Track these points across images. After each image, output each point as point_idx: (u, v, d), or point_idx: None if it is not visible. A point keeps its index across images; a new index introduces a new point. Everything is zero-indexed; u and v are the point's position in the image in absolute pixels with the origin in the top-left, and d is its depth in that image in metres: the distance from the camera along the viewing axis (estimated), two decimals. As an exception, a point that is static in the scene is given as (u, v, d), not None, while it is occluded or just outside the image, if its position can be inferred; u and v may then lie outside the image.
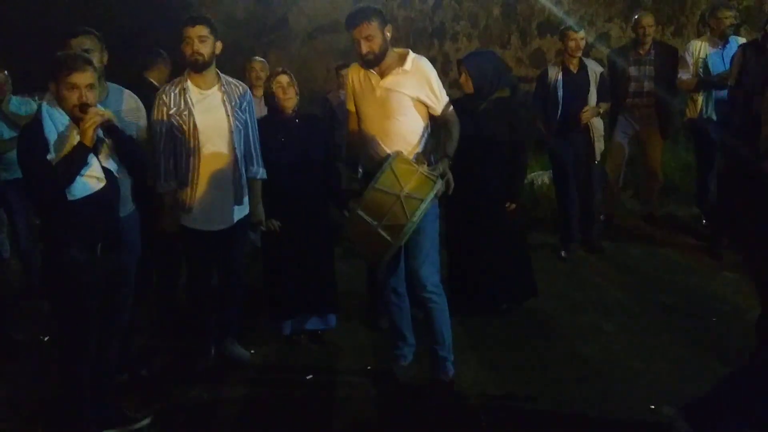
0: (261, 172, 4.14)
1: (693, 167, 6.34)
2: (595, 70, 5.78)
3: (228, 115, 3.91)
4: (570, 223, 5.90)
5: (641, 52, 6.08)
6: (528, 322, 4.63)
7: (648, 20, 6.13)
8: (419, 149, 3.70)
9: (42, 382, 4.00)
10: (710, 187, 5.88)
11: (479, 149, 4.51)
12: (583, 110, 5.62)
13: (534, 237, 6.51)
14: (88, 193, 3.14)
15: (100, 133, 3.17)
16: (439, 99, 3.73)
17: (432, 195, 3.37)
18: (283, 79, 4.30)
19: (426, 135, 3.76)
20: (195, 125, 3.84)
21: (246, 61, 6.08)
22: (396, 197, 3.32)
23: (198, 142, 3.86)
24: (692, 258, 5.64)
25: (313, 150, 4.35)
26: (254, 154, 4.10)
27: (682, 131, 6.91)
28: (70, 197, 3.09)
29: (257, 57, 6.34)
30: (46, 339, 4.64)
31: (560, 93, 5.67)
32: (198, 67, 3.84)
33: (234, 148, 3.94)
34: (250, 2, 12.39)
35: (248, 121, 4.04)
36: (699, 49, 5.77)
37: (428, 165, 3.61)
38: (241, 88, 4.04)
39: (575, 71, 5.73)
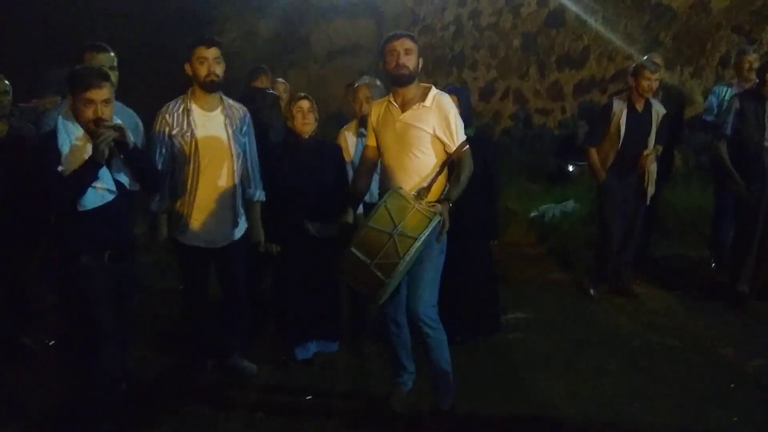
0: (259, 194, 4.18)
1: (706, 209, 6.32)
2: (658, 111, 5.49)
3: (229, 138, 3.96)
4: (606, 264, 5.69)
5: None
6: (530, 357, 4.60)
7: (657, 60, 6.13)
8: (425, 185, 3.64)
9: (47, 387, 4.03)
10: (725, 230, 5.87)
11: None
12: (645, 153, 5.38)
13: (542, 270, 6.55)
14: (99, 204, 3.21)
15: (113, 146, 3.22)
16: (453, 138, 3.65)
17: (426, 234, 3.33)
18: (305, 104, 4.33)
19: (440, 172, 3.70)
20: (197, 146, 3.88)
21: (272, 82, 6.17)
22: (389, 235, 3.29)
23: (198, 162, 3.90)
24: (700, 300, 5.60)
25: (326, 176, 4.38)
26: (252, 177, 4.14)
27: (696, 172, 6.95)
28: (80, 208, 3.17)
29: (280, 79, 6.46)
30: (51, 343, 4.67)
31: (623, 130, 5.38)
32: (213, 87, 3.89)
33: (233, 171, 3.99)
34: (274, 21, 12.52)
35: (248, 144, 4.08)
36: (725, 92, 5.81)
37: (439, 201, 3.57)
38: (241, 111, 4.09)
39: (640, 110, 5.43)
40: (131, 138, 3.29)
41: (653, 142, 5.46)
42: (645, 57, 6.31)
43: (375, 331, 4.81)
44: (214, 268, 4.19)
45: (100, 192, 3.21)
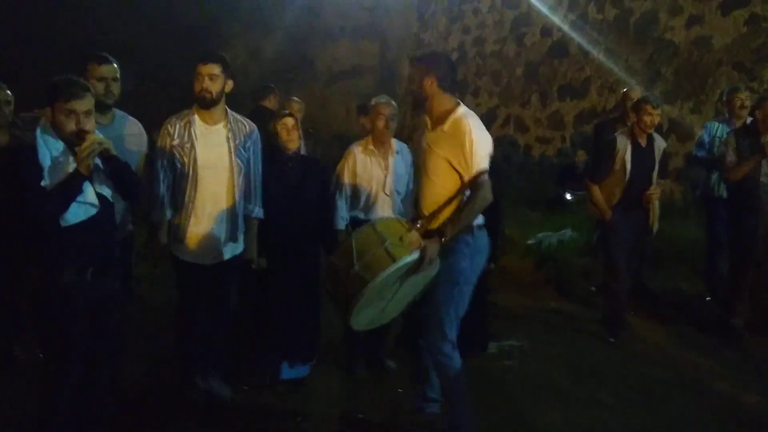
0: (257, 212, 4.15)
1: (702, 242, 6.35)
2: (659, 145, 5.44)
3: (230, 153, 3.93)
4: (621, 305, 5.48)
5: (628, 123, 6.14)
6: (527, 386, 4.59)
7: (635, 94, 6.23)
8: (429, 211, 3.57)
9: (37, 399, 4.00)
10: (719, 264, 5.90)
11: None
12: (651, 190, 5.34)
13: (538, 298, 6.55)
14: (82, 218, 3.13)
15: (97, 160, 3.15)
16: (469, 165, 3.44)
17: (401, 262, 3.22)
18: (289, 121, 4.39)
19: (448, 203, 3.54)
20: (195, 159, 3.86)
21: (285, 100, 6.27)
22: (350, 265, 3.25)
23: (197, 175, 3.86)
24: (695, 334, 5.61)
25: (308, 192, 4.41)
26: (254, 193, 4.11)
27: (693, 206, 6.99)
28: (63, 223, 3.08)
29: (295, 98, 6.60)
30: (41, 355, 4.65)
31: (629, 167, 5.26)
32: (205, 104, 3.86)
33: (233, 186, 3.95)
34: (279, 40, 12.60)
35: (251, 159, 4.05)
36: (716, 129, 5.90)
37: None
38: (248, 126, 4.06)
39: (644, 145, 5.35)
40: (113, 148, 3.21)
41: (655, 177, 5.42)
42: (624, 90, 6.45)
43: (368, 354, 4.82)
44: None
45: (82, 206, 3.13)
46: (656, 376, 4.82)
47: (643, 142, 5.33)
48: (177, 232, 3.94)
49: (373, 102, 4.64)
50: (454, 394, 3.70)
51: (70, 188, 3.07)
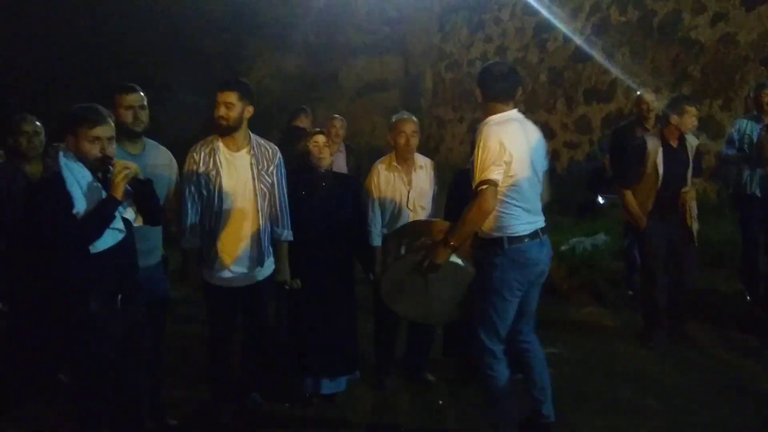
0: (286, 234, 4.17)
1: (738, 242, 6.27)
2: (692, 143, 5.27)
3: (254, 178, 3.97)
4: (658, 313, 5.33)
5: (647, 127, 6.11)
6: (569, 394, 4.51)
7: (649, 97, 6.24)
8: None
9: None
10: (757, 263, 5.83)
11: None
12: (685, 190, 5.21)
13: (574, 305, 6.50)
14: (111, 244, 3.14)
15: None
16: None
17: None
18: (320, 139, 4.43)
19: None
20: (221, 185, 3.91)
21: (327, 119, 6.74)
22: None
23: (222, 202, 3.92)
24: (735, 335, 5.52)
25: (341, 209, 4.45)
26: (281, 216, 4.13)
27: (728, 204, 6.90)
28: (93, 250, 3.09)
29: (337, 115, 7.00)
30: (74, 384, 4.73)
31: (661, 170, 5.11)
32: (222, 130, 3.91)
33: (258, 210, 4.00)
34: (303, 58, 12.73)
35: (275, 183, 4.08)
36: (746, 126, 5.83)
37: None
38: (271, 150, 4.10)
39: (675, 146, 5.18)
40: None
41: (690, 177, 5.28)
42: (638, 93, 6.40)
43: (401, 365, 4.83)
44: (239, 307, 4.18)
45: (111, 232, 3.14)
46: (698, 379, 4.76)
47: (674, 142, 5.19)
48: (206, 258, 4.00)
49: (393, 119, 4.68)
50: (496, 405, 3.72)
51: (106, 214, 3.10)
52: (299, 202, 4.31)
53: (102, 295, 3.14)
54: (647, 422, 4.15)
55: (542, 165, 3.69)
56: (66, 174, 3.07)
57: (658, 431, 4.05)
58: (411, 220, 4.55)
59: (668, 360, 5.10)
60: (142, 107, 3.79)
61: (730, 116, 7.54)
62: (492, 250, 3.56)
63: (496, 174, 3.41)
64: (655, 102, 6.28)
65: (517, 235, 3.55)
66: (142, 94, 3.81)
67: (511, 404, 3.75)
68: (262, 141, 4.11)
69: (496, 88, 3.60)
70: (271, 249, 4.13)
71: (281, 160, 4.14)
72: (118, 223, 3.18)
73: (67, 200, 3.03)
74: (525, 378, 3.90)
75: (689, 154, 5.24)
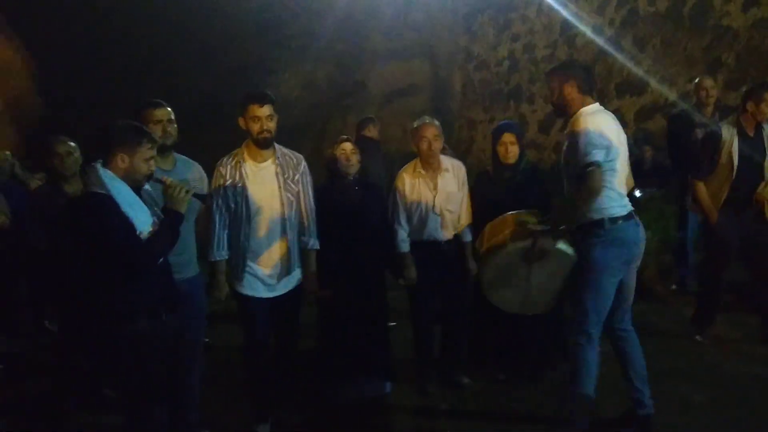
0: (313, 243, 4.18)
1: None
2: (767, 131, 5.02)
3: (280, 188, 4.01)
4: (715, 308, 5.25)
5: (705, 114, 5.97)
6: (614, 391, 4.43)
7: (709, 82, 6.15)
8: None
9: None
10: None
11: None
12: (760, 189, 4.91)
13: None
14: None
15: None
16: (577, 159, 3.70)
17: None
18: (347, 146, 4.43)
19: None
20: (248, 197, 3.94)
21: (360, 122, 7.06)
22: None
23: (250, 213, 3.95)
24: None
25: (370, 216, 4.43)
26: (308, 225, 4.15)
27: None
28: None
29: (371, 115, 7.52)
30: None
31: (735, 160, 4.89)
32: (266, 144, 3.97)
33: (285, 220, 4.02)
34: (330, 67, 12.75)
35: (301, 191, 4.10)
36: None
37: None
38: (295, 159, 4.14)
39: (752, 135, 4.95)
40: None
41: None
42: (696, 80, 6.27)
43: (442, 371, 4.79)
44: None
45: None
46: (748, 372, 4.64)
47: (750, 131, 4.95)
48: (236, 270, 4.02)
49: (414, 125, 4.68)
50: (576, 391, 3.80)
51: (174, 230, 3.18)
52: (328, 210, 4.30)
53: (148, 310, 3.18)
54: (697, 418, 4.07)
55: (626, 152, 3.89)
56: (115, 194, 3.07)
57: (708, 428, 3.95)
58: (437, 224, 4.57)
59: (717, 354, 5.00)
60: (170, 121, 3.83)
61: (768, 103, 7.35)
62: (593, 232, 3.71)
63: (599, 156, 3.59)
64: (714, 88, 6.18)
65: (615, 216, 3.71)
66: (169, 109, 3.87)
67: (590, 395, 3.82)
68: (286, 150, 4.15)
69: (588, 82, 3.82)
70: (299, 259, 4.13)
71: (306, 168, 4.17)
72: None
73: (128, 221, 3.05)
74: (623, 370, 4.00)
75: (766, 144, 4.96)
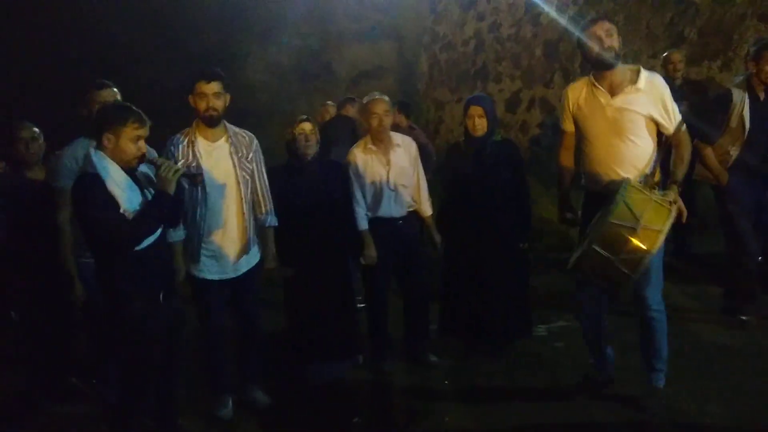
0: (271, 220, 4.18)
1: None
2: None
3: (235, 167, 3.98)
4: (751, 281, 4.99)
5: (673, 88, 6.02)
6: (578, 368, 4.49)
7: (677, 56, 6.31)
8: (648, 171, 3.66)
9: (96, 422, 4.10)
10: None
11: (487, 191, 4.56)
12: None
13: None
14: (150, 242, 3.20)
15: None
16: (672, 118, 3.65)
17: (669, 225, 3.33)
18: (307, 126, 4.40)
19: (655, 157, 3.70)
20: (203, 175, 3.85)
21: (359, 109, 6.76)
22: (632, 230, 3.27)
23: (205, 193, 3.91)
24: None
25: (332, 196, 4.42)
26: (264, 203, 4.14)
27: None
28: (136, 247, 3.15)
29: (329, 102, 7.51)
30: (93, 382, 4.72)
31: (747, 123, 4.79)
32: (212, 122, 3.92)
33: (241, 199, 4.00)
34: (295, 50, 12.64)
35: (255, 170, 4.09)
36: None
37: (657, 189, 3.58)
38: (247, 138, 4.12)
39: (762, 99, 4.84)
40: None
41: None
42: (665, 53, 6.35)
43: (410, 348, 4.82)
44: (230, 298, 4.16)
45: None
46: (715, 342, 4.74)
47: (761, 95, 4.83)
48: (192, 252, 3.97)
49: (365, 101, 4.66)
50: (665, 342, 3.86)
51: (161, 210, 3.17)
52: (288, 190, 4.28)
53: (146, 293, 3.22)
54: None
55: None
56: (103, 174, 3.10)
57: (669, 397, 4.00)
58: (392, 200, 4.56)
59: (682, 327, 5.00)
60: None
61: (731, 77, 7.41)
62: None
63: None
64: (682, 62, 6.39)
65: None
66: (115, 89, 3.85)
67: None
68: (237, 129, 4.12)
69: None
70: (256, 237, 4.10)
71: (258, 147, 4.15)
72: None
73: (113, 200, 3.07)
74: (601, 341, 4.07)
75: None
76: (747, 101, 4.79)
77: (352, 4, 12.85)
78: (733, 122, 4.83)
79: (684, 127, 3.67)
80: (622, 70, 3.64)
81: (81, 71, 8.99)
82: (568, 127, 3.88)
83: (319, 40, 12.81)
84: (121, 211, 3.07)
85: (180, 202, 3.54)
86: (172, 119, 4.27)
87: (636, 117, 3.60)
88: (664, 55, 6.67)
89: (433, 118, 13.02)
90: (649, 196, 3.38)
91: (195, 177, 3.34)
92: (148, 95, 4.02)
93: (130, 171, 3.22)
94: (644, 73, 3.63)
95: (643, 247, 3.26)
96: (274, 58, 12.48)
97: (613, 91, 3.63)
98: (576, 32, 3.75)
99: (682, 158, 3.64)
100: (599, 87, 3.66)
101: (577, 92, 3.78)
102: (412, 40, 13.37)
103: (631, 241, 3.26)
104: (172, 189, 3.17)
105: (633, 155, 3.64)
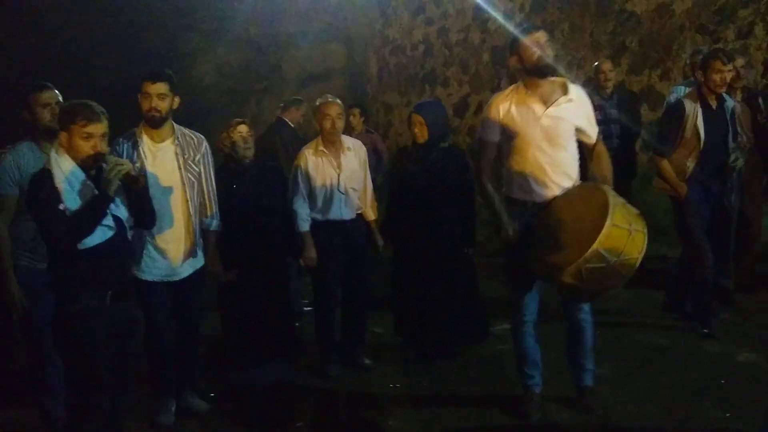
0: (215, 224, 4.14)
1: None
2: (728, 104, 4.92)
3: (180, 168, 3.94)
4: (709, 293, 4.95)
5: (603, 96, 6.33)
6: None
7: (607, 66, 6.52)
8: (577, 179, 3.76)
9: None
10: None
11: (432, 197, 4.61)
12: (734, 157, 4.87)
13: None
14: (99, 241, 3.13)
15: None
16: (595, 129, 3.80)
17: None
18: (244, 128, 4.42)
19: (580, 165, 3.81)
20: (146, 178, 3.74)
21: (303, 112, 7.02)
22: (628, 232, 3.30)
23: (149, 194, 3.77)
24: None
25: (270, 198, 4.43)
26: (209, 206, 4.10)
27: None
28: (80, 246, 3.09)
29: (356, 108, 7.74)
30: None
31: (702, 134, 4.75)
32: (155, 123, 3.87)
33: (187, 201, 3.96)
34: (244, 51, 12.54)
35: (203, 172, 4.04)
36: (683, 92, 5.88)
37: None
38: (196, 140, 4.06)
39: (715, 107, 4.82)
40: (134, 171, 3.24)
41: (731, 140, 4.89)
42: (596, 63, 6.57)
43: (345, 352, 4.84)
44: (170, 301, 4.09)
45: (100, 228, 3.14)
46: (649, 343, 4.86)
47: (713, 103, 4.82)
48: (135, 253, 3.86)
49: (318, 103, 4.67)
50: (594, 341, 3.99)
51: (97, 211, 3.10)
52: (227, 194, 4.26)
53: (92, 292, 3.15)
54: (602, 389, 4.17)
55: None
56: (55, 170, 3.08)
57: (613, 397, 4.09)
58: (343, 203, 4.60)
59: (621, 327, 5.16)
60: (58, 104, 3.71)
61: (670, 85, 7.64)
62: None
63: None
64: (612, 72, 6.56)
65: None
66: (56, 91, 3.76)
67: None
68: (186, 131, 4.07)
69: None
70: (202, 240, 4.08)
71: (208, 149, 4.10)
72: (108, 221, 3.17)
73: (55, 196, 3.03)
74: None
75: (727, 116, 4.88)
76: (700, 111, 4.79)
77: (301, 5, 12.81)
78: (688, 133, 4.81)
79: (601, 137, 3.84)
80: (551, 81, 3.70)
81: (23, 72, 8.80)
82: (494, 137, 3.81)
83: (268, 41, 12.72)
84: (61, 207, 3.03)
85: (150, 199, 3.48)
86: (117, 118, 4.22)
87: (569, 126, 3.70)
88: (595, 64, 6.84)
89: (382, 121, 13.06)
90: (622, 201, 3.46)
91: (136, 180, 3.25)
92: (97, 94, 3.92)
93: (90, 170, 3.15)
94: (572, 86, 3.73)
95: (635, 248, 3.31)
96: (222, 58, 12.36)
97: (545, 101, 3.68)
98: (517, 35, 3.75)
99: (608, 165, 3.79)
100: (532, 96, 3.69)
101: (506, 102, 3.76)
102: (362, 42, 13.40)
103: (626, 243, 3.28)
104: (112, 190, 3.10)
105: (566, 163, 3.72)
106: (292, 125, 6.85)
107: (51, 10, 10.63)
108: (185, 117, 4.25)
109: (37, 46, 10.30)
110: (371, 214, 4.92)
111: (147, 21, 11.35)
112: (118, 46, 10.89)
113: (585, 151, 3.85)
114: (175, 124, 4.01)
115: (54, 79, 4.09)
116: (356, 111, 7.93)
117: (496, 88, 10.64)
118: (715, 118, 4.82)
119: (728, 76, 4.76)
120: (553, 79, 3.70)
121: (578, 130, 3.74)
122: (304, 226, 4.57)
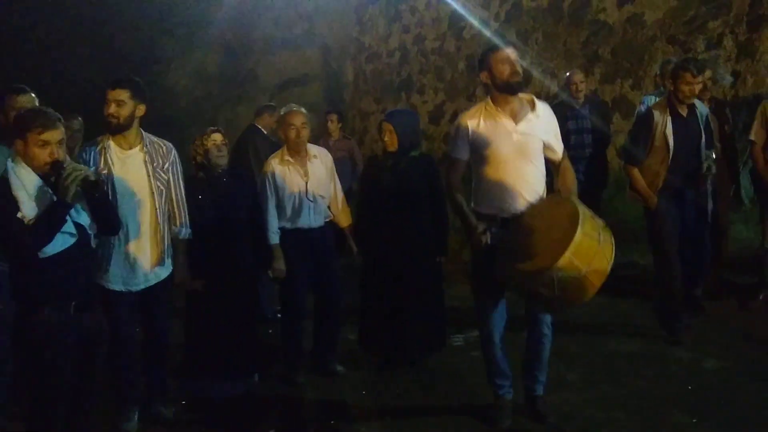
0: (185, 232, 4.11)
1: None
2: (701, 111, 4.94)
3: (149, 176, 3.91)
4: (677, 303, 4.96)
5: (576, 107, 6.42)
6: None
7: (578, 77, 6.61)
8: (544, 195, 3.79)
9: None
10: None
11: (402, 205, 4.63)
12: (707, 165, 4.88)
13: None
14: (60, 249, 3.07)
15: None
16: (560, 144, 3.84)
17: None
18: (218, 137, 4.39)
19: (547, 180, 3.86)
20: (113, 184, 3.80)
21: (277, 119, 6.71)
22: (597, 242, 3.31)
23: (117, 202, 3.77)
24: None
25: (240, 208, 4.42)
26: (179, 214, 4.08)
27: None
28: (41, 254, 3.03)
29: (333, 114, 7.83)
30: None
31: (671, 142, 4.78)
32: (112, 129, 3.83)
33: (155, 209, 3.92)
34: (220, 56, 12.51)
35: (171, 180, 4.02)
36: (653, 102, 5.97)
37: None
38: (165, 147, 4.04)
39: (685, 115, 4.85)
40: (93, 176, 3.17)
41: (704, 149, 4.90)
42: (567, 73, 6.68)
43: (317, 359, 4.84)
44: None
45: (60, 237, 3.07)
46: (618, 350, 4.90)
47: (683, 111, 4.84)
48: (102, 262, 3.82)
49: (282, 112, 4.69)
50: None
51: (55, 218, 3.03)
52: (197, 203, 4.24)
53: (54, 301, 3.09)
54: (570, 397, 4.23)
55: None
56: (12, 178, 3.04)
57: (582, 405, 4.13)
58: (312, 210, 4.61)
59: (590, 334, 5.23)
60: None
61: (641, 95, 7.74)
62: None
63: None
64: (583, 82, 6.65)
65: None
66: (33, 95, 3.73)
67: None
68: (155, 138, 4.03)
69: None
70: (171, 249, 4.05)
71: (176, 157, 4.08)
72: (69, 228, 3.10)
73: (12, 204, 2.99)
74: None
75: (701, 123, 4.90)
76: (669, 120, 4.80)
77: (278, 11, 12.80)
78: (657, 141, 4.83)
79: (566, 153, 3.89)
80: (520, 98, 3.76)
81: (7, 77, 8.71)
82: (464, 155, 3.82)
83: (244, 46, 12.70)
84: (19, 215, 2.98)
85: (111, 205, 3.46)
86: (92, 123, 4.20)
87: (538, 142, 3.74)
88: (566, 75, 6.91)
89: (358, 128, 13.09)
90: (591, 212, 3.48)
91: (95, 185, 3.18)
92: (74, 99, 3.91)
93: (48, 177, 3.08)
94: (539, 102, 3.79)
95: (604, 257, 3.33)
96: (197, 63, 12.31)
97: (514, 117, 3.72)
98: (487, 51, 3.80)
99: (573, 180, 3.83)
100: (501, 112, 3.72)
101: (475, 119, 3.77)
102: (338, 49, 13.42)
103: (596, 252, 3.29)
104: (69, 196, 3.02)
105: (536, 179, 3.76)
106: (266, 132, 6.80)
107: (26, 14, 10.54)
108: (158, 122, 4.22)
109: (13, 49, 10.20)
110: (344, 221, 4.93)
111: (123, 26, 11.29)
112: (94, 51, 10.83)
113: (551, 166, 3.90)
114: (143, 132, 3.97)
115: (30, 82, 4.07)
116: (334, 117, 7.93)
117: (472, 96, 10.72)
118: (686, 125, 4.85)
119: (697, 89, 4.81)
120: (521, 95, 3.77)
121: (545, 146, 3.79)
122: (275, 238, 4.57)
